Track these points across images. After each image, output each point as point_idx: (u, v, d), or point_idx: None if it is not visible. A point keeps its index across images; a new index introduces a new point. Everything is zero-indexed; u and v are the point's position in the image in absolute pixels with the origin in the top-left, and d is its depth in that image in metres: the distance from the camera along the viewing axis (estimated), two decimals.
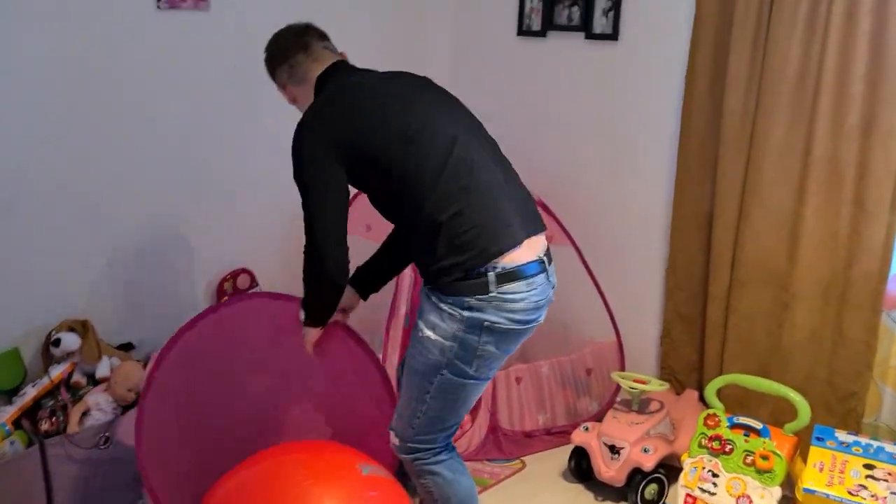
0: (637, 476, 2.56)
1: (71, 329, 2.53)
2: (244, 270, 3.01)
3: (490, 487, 2.69)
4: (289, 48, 2.07)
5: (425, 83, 2.03)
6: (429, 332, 1.86)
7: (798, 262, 2.54)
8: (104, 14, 2.49)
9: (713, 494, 2.35)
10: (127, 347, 2.72)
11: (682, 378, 2.94)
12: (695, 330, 2.88)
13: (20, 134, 2.40)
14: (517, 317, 1.83)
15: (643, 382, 2.70)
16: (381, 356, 2.78)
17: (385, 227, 2.53)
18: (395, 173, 1.85)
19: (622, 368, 3.04)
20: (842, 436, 2.36)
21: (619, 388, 3.01)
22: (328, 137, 1.89)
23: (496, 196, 1.85)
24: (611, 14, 2.94)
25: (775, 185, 2.56)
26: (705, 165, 2.75)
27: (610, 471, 2.56)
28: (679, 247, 2.86)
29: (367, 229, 2.94)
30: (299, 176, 1.95)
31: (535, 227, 1.91)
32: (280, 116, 3.01)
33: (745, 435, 2.40)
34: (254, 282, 3.03)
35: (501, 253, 1.80)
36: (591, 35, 3.02)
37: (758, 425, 2.41)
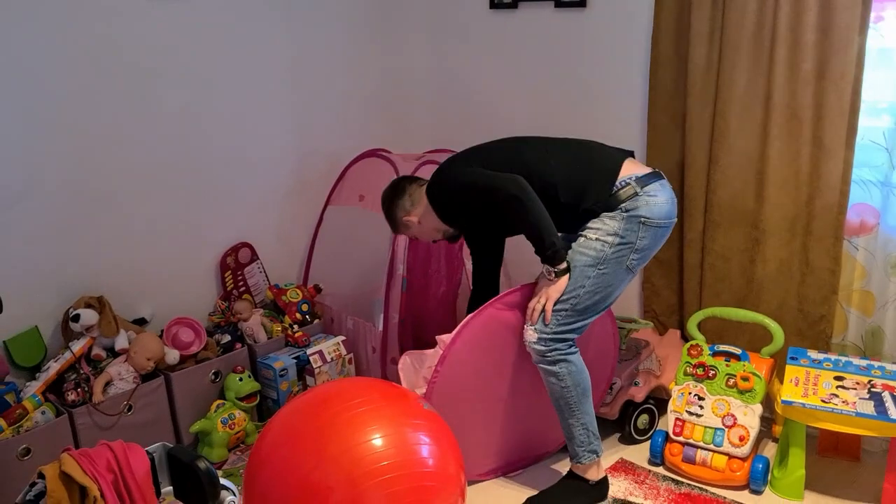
0: (629, 408, 2.75)
1: (88, 305, 2.65)
2: (245, 245, 3.14)
3: None
4: (402, 183, 2.58)
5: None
6: (592, 234, 2.29)
7: (765, 200, 2.74)
8: (103, 2, 2.59)
9: (700, 416, 2.55)
10: (140, 322, 2.85)
11: (664, 320, 3.14)
12: (673, 273, 3.08)
13: (28, 123, 2.50)
14: (663, 212, 2.29)
15: (628, 323, 2.89)
16: (381, 317, 2.95)
17: (378, 194, 2.69)
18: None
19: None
20: (813, 354, 2.57)
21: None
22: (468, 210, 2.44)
23: (588, 159, 2.39)
24: None
25: (741, 131, 2.76)
26: (675, 119, 2.93)
27: (603, 406, 2.75)
28: None
29: (360, 199, 3.10)
30: (474, 186, 2.37)
31: (626, 155, 2.41)
32: (276, 99, 3.17)
33: (726, 361, 2.60)
34: (254, 255, 3.16)
35: (617, 167, 2.31)
36: (560, 4, 3.18)
37: (737, 351, 2.62)
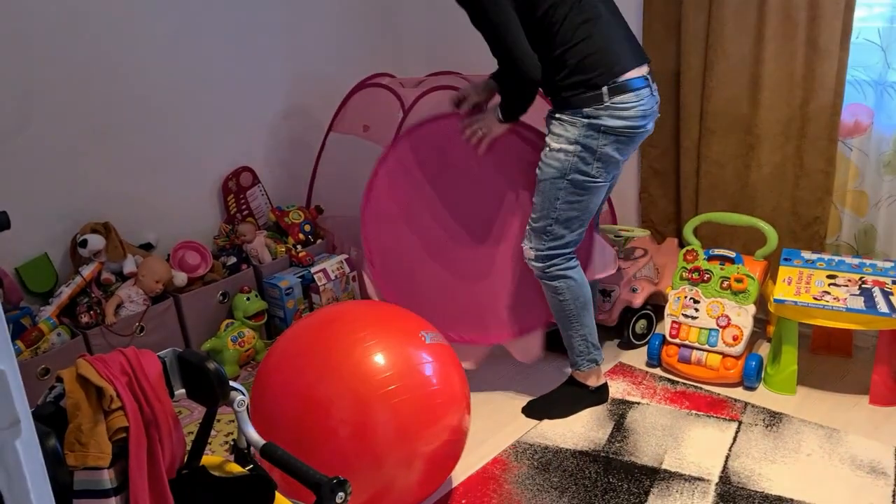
0: (628, 314, 2.83)
1: (94, 230, 2.71)
2: (245, 168, 3.17)
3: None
4: None
5: None
6: (554, 143, 2.25)
7: (760, 105, 2.74)
8: None
9: (695, 318, 2.62)
10: (147, 248, 2.91)
11: (661, 229, 3.18)
12: (670, 182, 3.10)
13: (25, 53, 2.51)
14: (628, 122, 2.21)
15: (626, 231, 2.94)
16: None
17: (382, 126, 2.70)
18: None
19: (614, 224, 3.26)
20: (807, 255, 2.61)
21: None
22: None
23: (613, 31, 2.23)
24: None
25: (735, 36, 2.74)
26: (669, 26, 2.91)
27: (603, 313, 2.83)
28: None
29: (364, 129, 3.10)
30: (482, 9, 2.17)
31: (641, 59, 2.28)
32: (273, 23, 3.15)
33: (720, 264, 2.66)
34: (255, 178, 3.20)
35: (623, 72, 2.19)
36: None
37: (731, 254, 2.67)
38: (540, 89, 2.27)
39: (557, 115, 2.26)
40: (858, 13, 2.55)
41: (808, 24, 2.60)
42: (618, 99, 2.18)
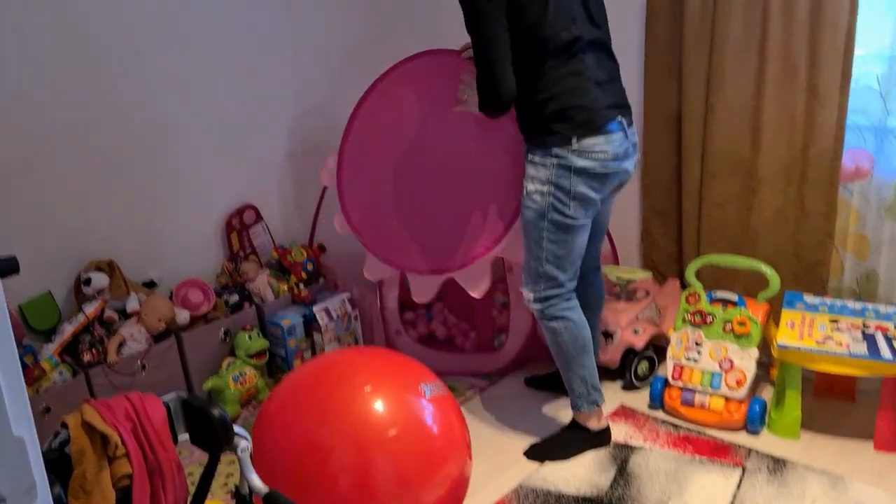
0: (630, 356, 2.82)
1: (98, 269, 2.71)
2: (249, 206, 3.19)
3: (496, 383, 2.96)
4: None
5: None
6: (530, 186, 2.30)
7: (761, 148, 2.77)
8: None
9: (698, 361, 2.62)
10: (150, 285, 2.91)
11: (663, 270, 3.19)
12: (671, 223, 3.12)
13: (33, 91, 2.54)
14: (598, 163, 2.24)
15: (628, 273, 2.95)
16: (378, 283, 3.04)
17: None
18: (536, 45, 2.21)
19: (616, 265, 3.27)
20: (809, 298, 2.62)
21: None
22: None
23: (596, 86, 2.25)
24: None
25: (736, 80, 2.77)
26: (671, 69, 2.95)
27: (605, 354, 2.82)
28: (652, 147, 3.07)
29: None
30: (474, 15, 2.19)
31: (618, 106, 2.31)
32: (279, 62, 3.19)
33: (723, 307, 2.66)
34: (259, 216, 3.22)
35: (598, 124, 2.22)
36: None
37: (734, 297, 2.67)
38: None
39: (530, 157, 2.30)
40: (857, 59, 2.59)
41: (809, 69, 2.64)
42: (586, 142, 2.22)
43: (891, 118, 2.61)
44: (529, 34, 2.20)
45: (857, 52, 2.58)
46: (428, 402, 1.93)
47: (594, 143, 2.22)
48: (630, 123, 2.33)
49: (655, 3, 2.91)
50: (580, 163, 2.22)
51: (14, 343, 0.86)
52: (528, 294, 2.42)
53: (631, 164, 2.35)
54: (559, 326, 2.40)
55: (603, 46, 2.33)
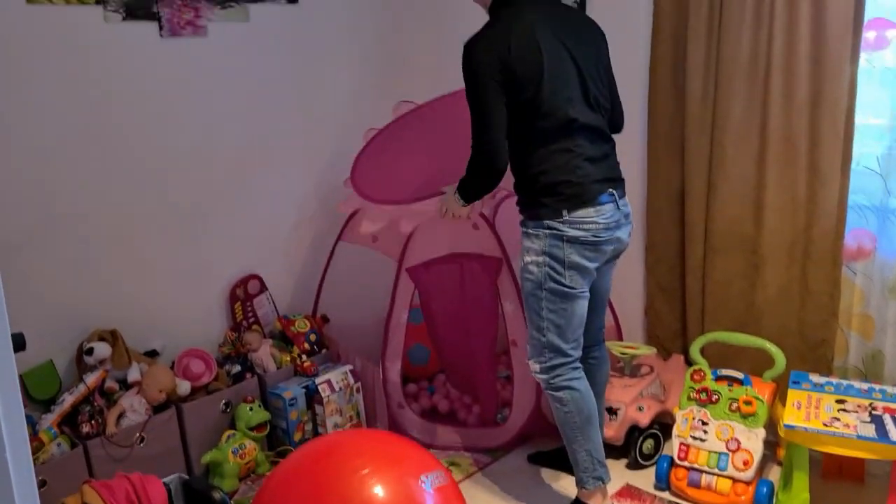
0: (635, 433, 2.79)
1: (101, 338, 2.71)
2: (254, 276, 3.20)
3: (499, 459, 2.92)
4: None
5: (582, 34, 2.41)
6: (527, 257, 2.35)
7: (764, 226, 2.79)
8: (114, 44, 2.68)
9: (704, 441, 2.58)
10: (152, 354, 2.90)
11: (668, 345, 3.17)
12: (676, 299, 3.12)
13: (41, 162, 2.58)
14: (589, 234, 2.29)
15: (632, 349, 2.94)
16: (381, 357, 3.03)
17: (391, 237, 2.81)
18: (532, 120, 2.27)
19: (620, 339, 3.26)
20: (815, 378, 2.60)
21: None
22: (498, 69, 2.23)
23: (589, 164, 2.30)
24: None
25: (738, 159, 2.81)
26: (674, 147, 2.99)
27: (610, 430, 2.79)
28: (655, 224, 3.10)
29: (373, 240, 3.17)
30: (473, 85, 2.27)
31: (611, 180, 2.36)
32: (288, 135, 3.24)
33: (728, 385, 2.64)
34: (263, 286, 3.22)
35: (589, 199, 2.27)
36: None
37: (739, 375, 2.66)
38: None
39: (525, 228, 2.37)
40: (858, 141, 2.63)
41: (809, 150, 2.68)
42: (577, 213, 2.28)
43: (892, 199, 2.64)
44: (525, 110, 2.26)
45: (857, 134, 2.62)
46: (429, 494, 1.91)
47: (584, 214, 2.28)
48: (622, 195, 2.39)
49: (658, 82, 2.97)
50: (571, 232, 2.27)
51: (25, 430, 0.85)
52: (534, 366, 2.43)
53: (624, 234, 2.40)
54: (565, 396, 2.40)
55: (599, 130, 2.37)
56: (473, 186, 2.40)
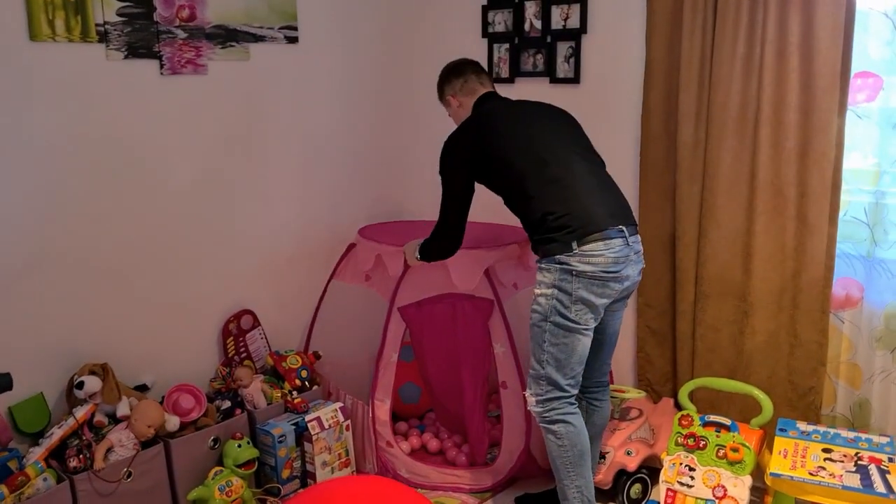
0: (622, 477, 2.79)
1: (92, 372, 2.71)
2: (247, 312, 3.21)
3: (486, 501, 2.91)
4: (466, 69, 2.77)
5: (545, 110, 2.68)
6: (538, 290, 2.44)
7: (753, 274, 2.82)
8: (114, 82, 2.72)
9: (691, 487, 2.58)
10: (142, 389, 2.90)
11: (657, 388, 3.18)
12: (666, 343, 3.14)
13: (34, 199, 2.59)
14: (598, 268, 2.36)
15: (622, 392, 2.94)
16: (370, 395, 3.04)
17: (382, 278, 2.84)
18: (514, 175, 2.48)
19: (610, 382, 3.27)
20: (802, 426, 2.61)
21: None
22: (469, 151, 2.57)
23: (588, 197, 2.42)
24: (571, 60, 3.25)
25: (728, 207, 2.85)
26: (665, 194, 3.03)
27: (598, 474, 2.78)
28: (647, 269, 3.07)
29: (366, 279, 3.20)
30: (445, 175, 2.62)
31: (618, 217, 2.43)
32: (283, 172, 3.28)
33: (716, 431, 2.65)
34: (256, 321, 3.24)
35: (596, 231, 2.36)
36: (555, 79, 3.32)
37: (727, 422, 2.66)
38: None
39: (539, 265, 2.46)
40: (845, 191, 2.67)
41: (798, 200, 2.72)
42: (587, 247, 2.35)
43: (878, 249, 2.67)
44: (504, 169, 2.48)
45: (845, 185, 2.66)
46: None
47: (594, 248, 2.35)
48: (633, 233, 2.46)
49: (650, 129, 3.02)
50: (580, 266, 2.34)
51: None
52: (530, 398, 2.49)
53: (634, 271, 2.47)
54: (560, 430, 2.44)
55: (586, 161, 2.52)
56: (433, 256, 2.73)
